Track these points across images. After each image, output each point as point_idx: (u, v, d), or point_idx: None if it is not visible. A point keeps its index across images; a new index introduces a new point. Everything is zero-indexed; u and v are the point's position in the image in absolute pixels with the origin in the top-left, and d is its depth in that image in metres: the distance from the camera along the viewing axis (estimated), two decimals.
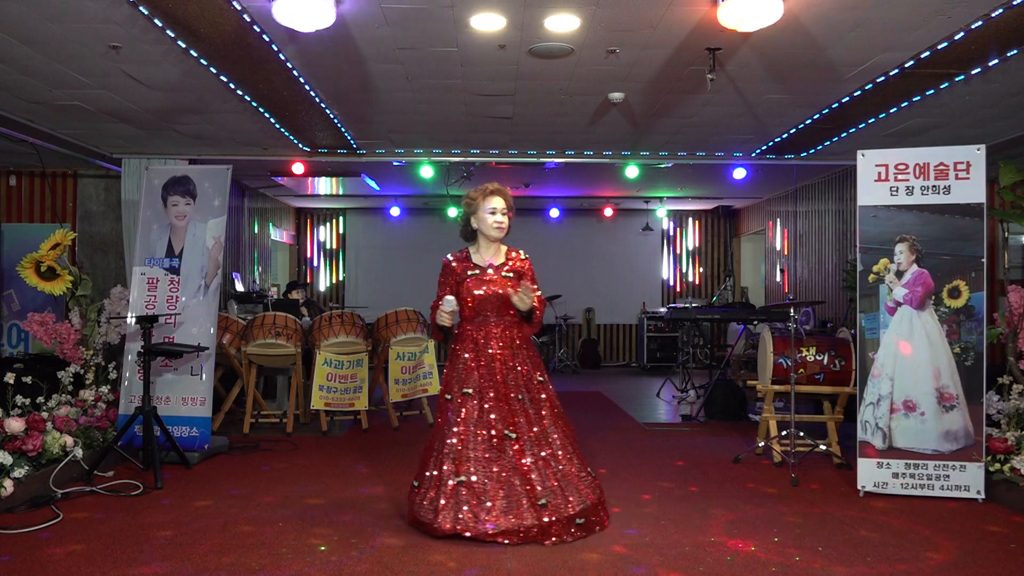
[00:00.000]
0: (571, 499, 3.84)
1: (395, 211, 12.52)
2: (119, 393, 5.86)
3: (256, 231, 11.00)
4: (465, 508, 3.76)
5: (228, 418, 7.08)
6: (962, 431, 4.69)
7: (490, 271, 4.08)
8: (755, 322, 8.19)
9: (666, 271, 13.59)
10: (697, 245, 13.62)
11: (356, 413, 7.04)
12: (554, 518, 3.75)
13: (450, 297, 3.99)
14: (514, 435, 3.85)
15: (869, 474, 4.81)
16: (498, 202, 4.10)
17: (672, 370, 11.25)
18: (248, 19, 4.35)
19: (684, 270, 13.63)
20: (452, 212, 12.10)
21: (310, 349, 7.05)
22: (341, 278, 13.43)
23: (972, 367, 4.71)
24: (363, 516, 4.29)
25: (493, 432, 3.86)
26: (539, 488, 3.79)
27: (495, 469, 3.81)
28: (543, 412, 3.97)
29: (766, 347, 5.87)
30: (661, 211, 12.82)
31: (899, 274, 4.86)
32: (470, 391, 3.93)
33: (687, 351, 10.42)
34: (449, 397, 3.99)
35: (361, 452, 6.06)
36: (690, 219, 13.59)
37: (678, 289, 13.56)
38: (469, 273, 4.07)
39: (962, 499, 4.66)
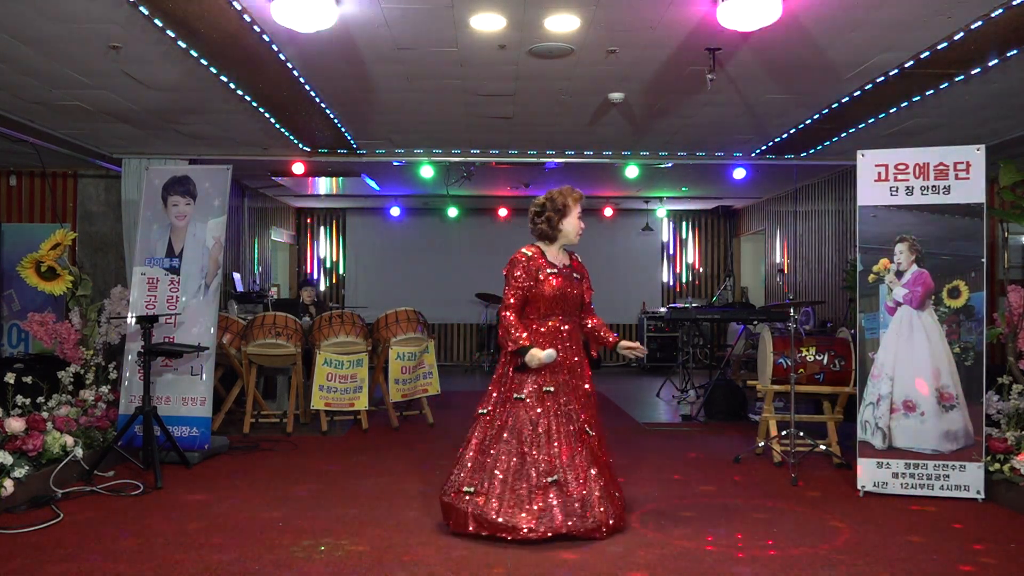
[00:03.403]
0: (601, 510, 3.87)
1: (395, 211, 12.52)
2: (119, 393, 5.86)
3: (256, 231, 11.00)
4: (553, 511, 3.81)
5: (228, 418, 7.08)
6: (962, 431, 4.69)
7: (564, 271, 4.12)
8: (755, 322, 8.19)
9: (666, 271, 13.59)
10: (697, 245, 13.62)
11: (356, 413, 7.04)
12: (578, 528, 3.82)
13: (552, 351, 3.90)
14: (592, 432, 3.98)
15: (869, 474, 4.82)
16: (580, 208, 4.20)
17: (672, 370, 11.24)
18: (248, 19, 4.35)
19: (684, 270, 13.63)
20: (452, 212, 12.11)
21: (310, 349, 7.05)
22: (341, 278, 13.43)
23: (972, 367, 4.71)
24: (363, 516, 4.29)
25: (571, 427, 3.93)
26: (579, 491, 3.84)
27: (575, 463, 3.88)
28: (591, 420, 4.06)
29: (766, 347, 5.87)
30: (661, 211, 12.81)
31: (899, 274, 4.86)
32: (552, 389, 3.94)
33: (687, 351, 10.42)
34: (521, 396, 3.92)
35: (361, 452, 6.06)
36: (690, 219, 13.59)
37: (678, 289, 13.56)
38: (548, 271, 4.06)
39: (962, 499, 4.66)
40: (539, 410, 3.90)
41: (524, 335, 3.91)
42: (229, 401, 7.03)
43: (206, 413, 5.85)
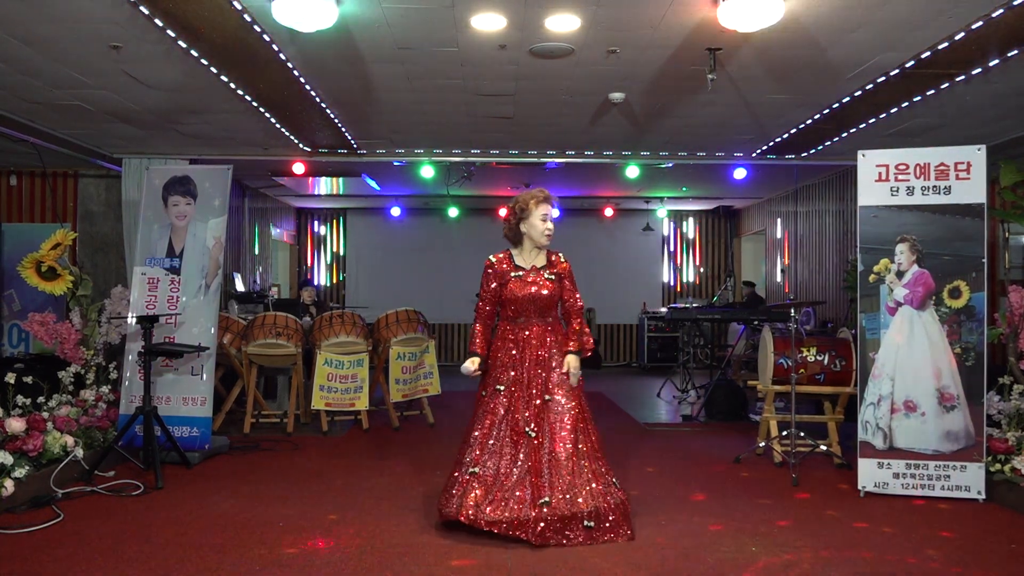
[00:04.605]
0: (579, 500, 3.84)
1: (395, 211, 12.52)
2: (120, 393, 5.86)
3: (256, 231, 11.00)
4: (471, 497, 3.86)
5: (229, 418, 7.07)
6: (963, 431, 4.69)
7: (532, 274, 4.14)
8: (755, 322, 8.20)
9: (666, 271, 13.59)
10: (697, 245, 13.62)
11: (356, 413, 7.04)
12: (551, 517, 3.76)
13: (469, 365, 4.09)
14: (533, 433, 3.94)
15: (870, 474, 4.81)
16: (548, 209, 4.16)
17: (672, 370, 11.24)
18: (248, 19, 4.35)
19: (684, 270, 13.63)
20: (453, 212, 12.11)
21: (311, 349, 7.05)
22: (341, 278, 13.43)
23: (973, 367, 4.71)
24: (363, 516, 4.29)
25: (514, 429, 3.98)
26: (544, 487, 3.83)
27: (508, 464, 3.92)
28: (568, 416, 4.01)
29: (767, 347, 5.87)
30: (661, 211, 12.82)
31: (900, 274, 4.86)
32: (502, 388, 4.05)
33: (687, 351, 10.41)
34: (484, 394, 4.13)
35: (361, 452, 6.06)
36: (690, 219, 13.59)
37: (678, 289, 13.56)
38: (512, 275, 4.14)
39: (963, 499, 4.66)
40: (491, 405, 4.06)
41: (476, 343, 4.17)
42: (229, 401, 7.03)
43: (206, 413, 5.85)
